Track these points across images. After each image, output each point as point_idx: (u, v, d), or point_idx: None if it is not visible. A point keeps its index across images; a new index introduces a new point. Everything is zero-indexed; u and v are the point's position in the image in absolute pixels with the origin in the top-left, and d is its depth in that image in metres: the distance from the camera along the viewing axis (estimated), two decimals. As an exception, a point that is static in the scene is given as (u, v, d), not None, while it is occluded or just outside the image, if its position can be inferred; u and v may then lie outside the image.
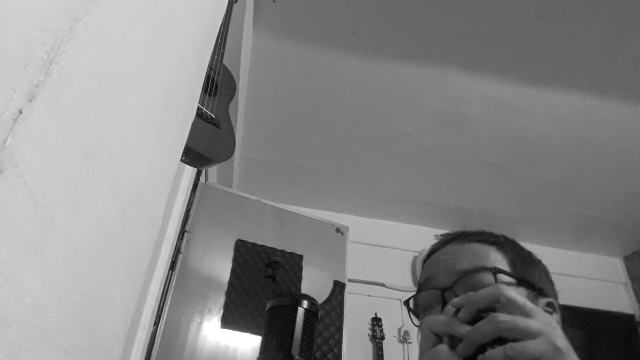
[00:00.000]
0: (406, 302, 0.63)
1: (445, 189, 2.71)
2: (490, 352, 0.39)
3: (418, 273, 2.75)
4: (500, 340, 0.40)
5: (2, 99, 0.23)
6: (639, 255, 3.19)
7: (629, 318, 3.02)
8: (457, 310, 0.45)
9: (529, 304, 0.42)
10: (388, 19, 1.75)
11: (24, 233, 0.25)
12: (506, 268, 0.57)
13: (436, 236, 0.67)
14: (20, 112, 0.24)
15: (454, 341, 0.43)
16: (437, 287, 0.57)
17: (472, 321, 0.43)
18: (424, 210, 2.93)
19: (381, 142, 2.38)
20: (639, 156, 2.35)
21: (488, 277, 0.54)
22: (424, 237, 3.02)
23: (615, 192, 2.62)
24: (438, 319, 0.45)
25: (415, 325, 0.60)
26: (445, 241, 0.64)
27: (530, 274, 0.58)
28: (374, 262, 2.82)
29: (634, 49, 1.80)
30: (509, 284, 0.55)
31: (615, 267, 3.27)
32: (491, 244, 0.60)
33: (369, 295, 2.68)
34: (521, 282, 0.56)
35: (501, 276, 0.55)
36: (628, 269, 3.24)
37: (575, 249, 3.22)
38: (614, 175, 2.48)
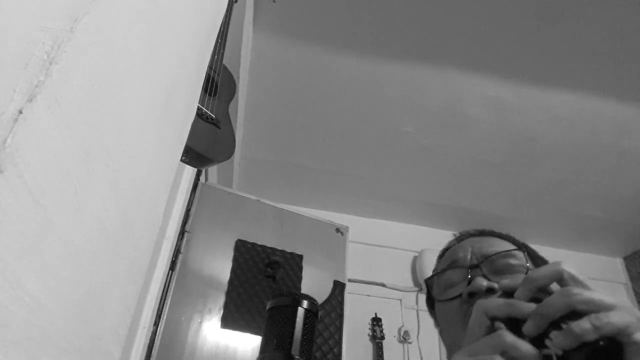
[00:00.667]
0: (429, 279, 0.63)
1: (445, 189, 2.71)
2: (575, 323, 0.35)
3: (418, 273, 2.78)
4: (574, 315, 0.36)
5: (2, 99, 0.23)
6: (639, 255, 3.19)
7: (629, 318, 3.02)
8: (506, 294, 0.42)
9: (589, 282, 0.40)
10: (388, 19, 1.75)
11: (24, 233, 0.25)
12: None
13: (454, 234, 0.68)
14: (20, 112, 0.24)
15: (513, 325, 0.39)
16: (463, 265, 0.57)
17: (532, 301, 0.39)
18: (424, 210, 2.93)
19: (381, 142, 2.38)
20: (639, 156, 2.35)
21: (520, 256, 0.55)
22: (424, 237, 3.02)
23: (615, 192, 2.62)
24: (496, 301, 0.40)
25: (439, 300, 0.60)
26: (462, 237, 0.65)
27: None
28: (374, 262, 2.82)
29: (634, 49, 1.80)
30: (530, 269, 0.54)
31: (615, 267, 3.27)
32: (509, 240, 0.61)
33: (369, 295, 2.68)
34: None
35: (528, 259, 0.55)
36: (628, 269, 3.24)
37: (575, 249, 3.22)
38: (614, 175, 2.48)
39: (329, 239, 2.08)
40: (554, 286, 0.41)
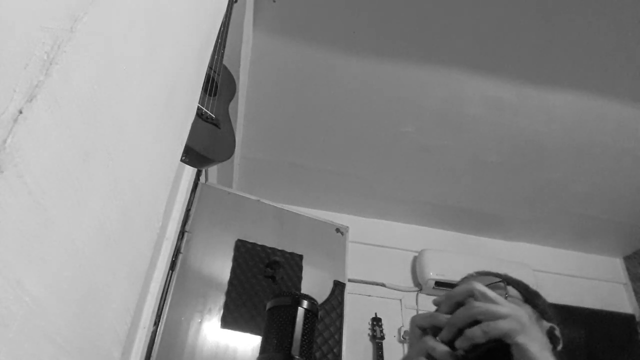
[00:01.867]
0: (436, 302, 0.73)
1: (445, 189, 2.71)
2: (469, 330, 0.45)
3: (418, 273, 2.78)
4: (476, 324, 0.46)
5: (2, 99, 0.23)
6: (639, 255, 3.19)
7: (629, 318, 3.02)
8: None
9: (498, 297, 0.48)
10: (388, 19, 1.75)
11: (24, 233, 0.25)
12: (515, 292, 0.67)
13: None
14: (20, 112, 0.24)
15: (437, 332, 0.50)
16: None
17: (452, 314, 0.49)
18: (424, 210, 2.93)
19: (381, 142, 2.38)
20: (639, 156, 2.35)
21: (498, 289, 0.62)
22: (424, 237, 3.02)
23: (616, 192, 2.62)
24: (422, 315, 0.52)
25: None
26: (467, 278, 0.74)
27: (536, 301, 0.67)
28: (374, 262, 2.82)
29: (634, 49, 1.80)
30: (516, 297, 0.64)
31: (615, 267, 3.27)
32: (504, 280, 0.70)
33: (369, 295, 2.68)
34: (527, 300, 0.65)
35: (511, 289, 0.65)
36: (628, 269, 3.24)
37: (575, 249, 3.22)
38: (614, 175, 2.48)
39: (329, 239, 2.08)
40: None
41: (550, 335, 0.63)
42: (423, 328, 0.51)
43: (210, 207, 1.83)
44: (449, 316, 0.49)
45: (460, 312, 0.47)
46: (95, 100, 0.32)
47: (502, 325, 0.44)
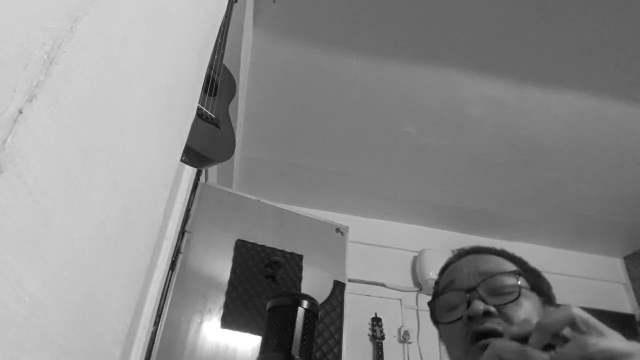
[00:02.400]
0: (432, 303, 0.67)
1: (445, 189, 2.71)
2: None
3: (418, 273, 2.77)
4: None
5: (2, 99, 0.23)
6: (639, 255, 3.19)
7: (629, 318, 3.02)
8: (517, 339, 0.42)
9: (602, 324, 0.39)
10: (388, 19, 1.75)
11: (24, 233, 0.25)
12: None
13: (452, 251, 0.71)
14: (20, 112, 0.24)
15: None
16: (461, 288, 0.61)
17: (544, 348, 0.39)
18: (424, 210, 2.93)
19: (381, 142, 2.38)
20: (639, 156, 2.35)
21: (512, 280, 0.59)
22: (424, 237, 3.02)
23: (615, 192, 2.62)
24: (510, 346, 0.41)
25: (442, 323, 0.63)
26: (461, 254, 0.69)
27: (539, 283, 0.63)
28: (374, 262, 2.82)
29: (635, 49, 1.80)
30: (525, 287, 0.59)
31: (615, 267, 3.27)
32: (504, 257, 0.66)
33: (369, 295, 2.68)
34: (534, 287, 0.61)
35: (521, 280, 0.59)
36: (628, 269, 3.24)
37: (575, 249, 3.22)
38: (614, 175, 2.48)
39: (329, 239, 2.08)
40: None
41: None
42: None
43: (210, 207, 1.83)
44: (546, 355, 0.38)
45: (570, 351, 0.37)
46: (95, 100, 0.32)
47: None
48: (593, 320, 0.40)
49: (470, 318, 0.57)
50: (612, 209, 2.77)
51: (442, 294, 0.65)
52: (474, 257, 0.66)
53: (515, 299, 0.57)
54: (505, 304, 0.57)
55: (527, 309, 0.57)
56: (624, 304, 3.09)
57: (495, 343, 0.43)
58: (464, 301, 0.59)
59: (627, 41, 1.77)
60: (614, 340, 0.37)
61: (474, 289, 0.59)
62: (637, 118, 2.12)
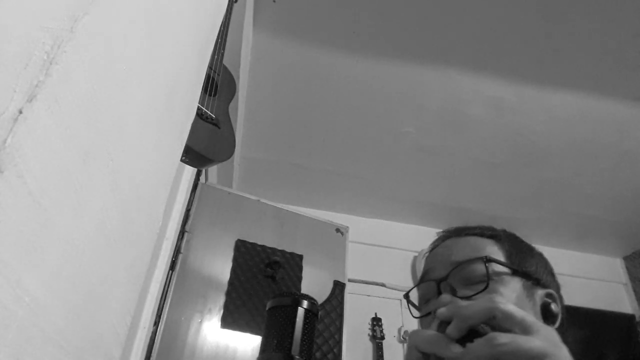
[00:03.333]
0: (406, 296, 0.63)
1: (445, 189, 2.71)
2: None
3: (418, 273, 2.77)
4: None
5: (2, 99, 0.23)
6: (639, 255, 3.19)
7: (629, 318, 3.02)
8: (446, 323, 0.41)
9: (529, 319, 0.38)
10: (388, 19, 1.75)
11: (24, 233, 0.25)
12: (502, 259, 0.56)
13: (437, 233, 0.67)
14: (20, 112, 0.24)
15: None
16: (433, 278, 0.57)
17: (463, 337, 0.39)
18: (424, 210, 2.93)
19: (381, 142, 2.38)
20: (639, 156, 2.35)
21: (480, 267, 0.54)
22: (424, 237, 3.01)
23: (615, 192, 2.62)
24: (425, 336, 0.41)
25: (414, 317, 0.60)
26: (445, 237, 0.64)
27: (527, 265, 0.58)
28: (374, 262, 2.82)
29: (635, 49, 1.80)
30: (502, 273, 0.54)
31: (615, 267, 3.27)
32: (488, 237, 0.61)
33: (369, 295, 2.68)
34: (516, 272, 0.55)
35: (494, 265, 0.54)
36: (628, 269, 3.24)
37: (575, 249, 3.22)
38: (614, 175, 2.48)
39: (329, 239, 2.08)
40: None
41: (545, 310, 0.55)
42: (425, 354, 0.41)
43: (210, 207, 1.83)
44: (458, 347, 0.38)
45: (478, 348, 0.36)
46: (95, 100, 0.32)
47: None
48: (519, 314, 0.38)
49: None
50: (612, 209, 2.77)
51: (417, 285, 0.61)
52: (453, 241, 0.61)
53: (484, 289, 0.52)
54: (475, 294, 0.52)
55: (507, 296, 0.52)
56: (624, 304, 3.09)
57: (413, 334, 0.43)
58: (435, 293, 0.55)
59: (627, 41, 1.77)
60: (533, 339, 0.36)
61: (444, 278, 0.55)
62: (637, 118, 2.12)
